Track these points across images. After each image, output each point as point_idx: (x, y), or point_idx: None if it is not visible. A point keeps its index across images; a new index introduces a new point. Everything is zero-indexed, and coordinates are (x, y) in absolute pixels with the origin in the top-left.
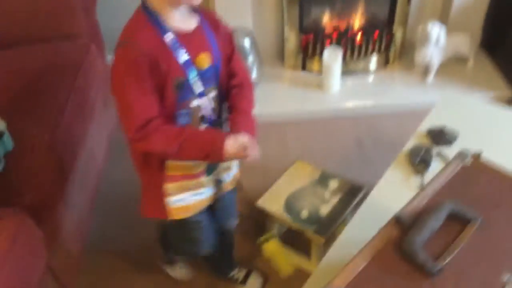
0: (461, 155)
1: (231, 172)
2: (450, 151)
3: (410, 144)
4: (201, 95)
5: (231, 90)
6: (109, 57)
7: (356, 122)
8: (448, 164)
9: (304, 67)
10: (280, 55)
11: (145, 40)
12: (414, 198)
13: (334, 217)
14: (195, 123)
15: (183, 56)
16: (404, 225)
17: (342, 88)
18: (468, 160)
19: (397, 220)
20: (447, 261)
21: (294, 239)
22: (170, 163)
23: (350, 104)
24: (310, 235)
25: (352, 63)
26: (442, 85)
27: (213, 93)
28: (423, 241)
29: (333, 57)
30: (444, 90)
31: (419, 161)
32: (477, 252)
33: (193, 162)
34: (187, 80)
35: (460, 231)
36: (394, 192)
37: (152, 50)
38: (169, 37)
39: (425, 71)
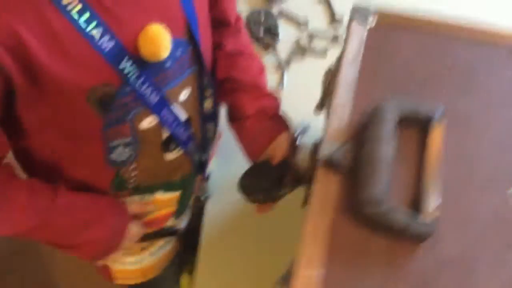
0: (359, 15)
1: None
2: (294, 5)
3: (242, 12)
4: (160, 106)
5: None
6: None
7: None
8: (346, 38)
9: None
10: None
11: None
12: (329, 113)
13: None
14: (151, 156)
15: (102, 40)
16: (343, 170)
17: None
18: (371, 21)
19: (331, 165)
20: (434, 206)
21: None
22: None
23: None
24: None
25: None
26: None
27: (186, 90)
28: (385, 187)
29: None
30: None
31: (263, 31)
32: (463, 170)
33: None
34: (124, 88)
35: (423, 144)
36: None
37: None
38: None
39: None
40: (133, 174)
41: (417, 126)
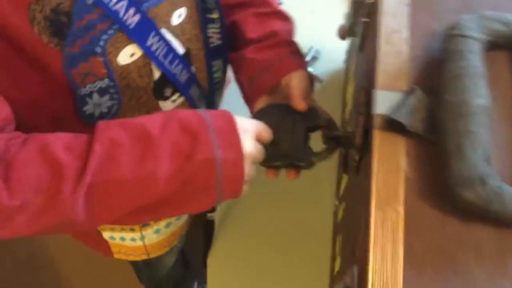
0: None
1: None
2: None
3: None
4: (143, 29)
5: None
6: None
7: None
8: None
9: None
10: None
11: None
12: (374, 47)
13: None
14: (140, 106)
15: None
16: (414, 132)
17: None
18: None
19: (394, 125)
20: None
21: None
22: None
23: None
24: None
25: None
26: None
27: (180, 10)
28: (487, 155)
29: None
30: None
31: None
32: None
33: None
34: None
35: None
36: None
37: None
38: None
39: None
40: None
41: (508, 49)
